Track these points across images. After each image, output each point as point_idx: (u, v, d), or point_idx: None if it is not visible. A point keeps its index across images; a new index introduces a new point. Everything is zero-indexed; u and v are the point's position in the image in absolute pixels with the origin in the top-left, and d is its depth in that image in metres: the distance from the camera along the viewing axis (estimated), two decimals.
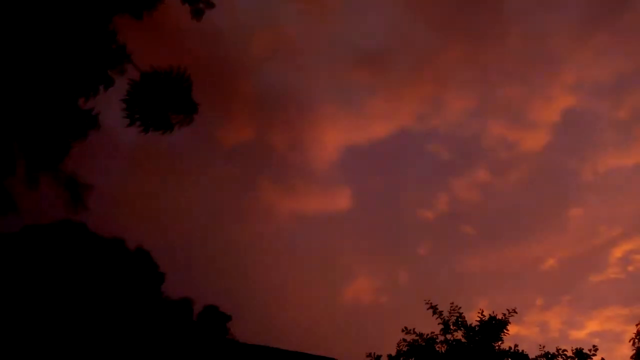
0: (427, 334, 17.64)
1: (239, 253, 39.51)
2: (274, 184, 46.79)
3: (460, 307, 17.72)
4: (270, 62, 44.69)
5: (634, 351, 16.52)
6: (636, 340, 16.49)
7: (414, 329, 17.85)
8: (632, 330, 16.69)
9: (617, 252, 41.80)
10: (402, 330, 17.84)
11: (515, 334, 19.30)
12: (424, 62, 45.09)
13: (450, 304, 17.84)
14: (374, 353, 17.85)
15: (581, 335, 36.37)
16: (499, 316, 17.45)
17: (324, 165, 47.68)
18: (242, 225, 42.50)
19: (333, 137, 46.44)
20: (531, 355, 17.46)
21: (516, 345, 17.51)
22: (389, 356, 17.70)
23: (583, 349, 17.22)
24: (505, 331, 17.33)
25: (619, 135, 43.56)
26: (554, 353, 17.28)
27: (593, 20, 40.78)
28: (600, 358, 17.02)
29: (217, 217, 42.21)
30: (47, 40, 4.14)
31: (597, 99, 43.16)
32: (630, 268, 40.44)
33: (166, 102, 5.62)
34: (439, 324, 17.66)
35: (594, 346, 17.07)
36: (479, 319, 17.48)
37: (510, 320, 17.33)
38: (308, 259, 42.95)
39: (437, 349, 17.39)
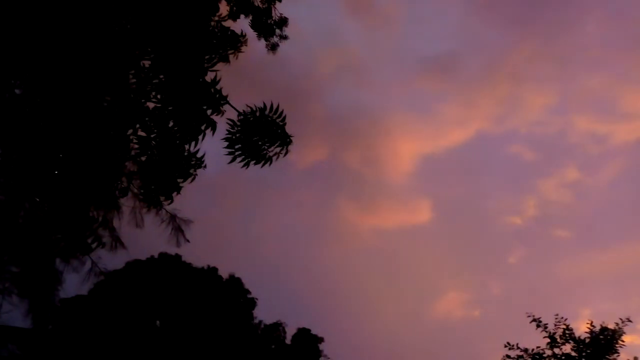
0: (533, 349, 16.73)
1: (326, 274, 39.86)
2: (352, 201, 46.97)
3: (566, 319, 16.71)
4: (339, 80, 45.37)
5: None
6: None
7: (517, 344, 17.00)
8: None
9: None
10: (505, 346, 17.03)
11: (631, 344, 17.84)
12: (496, 62, 43.81)
13: (555, 315, 16.84)
14: None
15: None
16: (611, 326, 16.26)
17: (401, 178, 47.28)
18: (325, 246, 42.93)
19: (407, 148, 46.03)
20: None
21: (636, 358, 16.22)
22: None
23: None
24: (621, 342, 16.09)
25: None
26: None
27: None
28: None
29: (300, 239, 42.96)
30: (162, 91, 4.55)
31: None
32: None
33: (263, 137, 5.88)
34: (544, 337, 16.71)
35: None
36: (588, 330, 16.37)
37: (624, 330, 16.10)
38: (394, 275, 42.50)
39: None
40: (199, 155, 6.25)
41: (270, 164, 6.49)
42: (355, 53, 44.16)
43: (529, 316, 16.88)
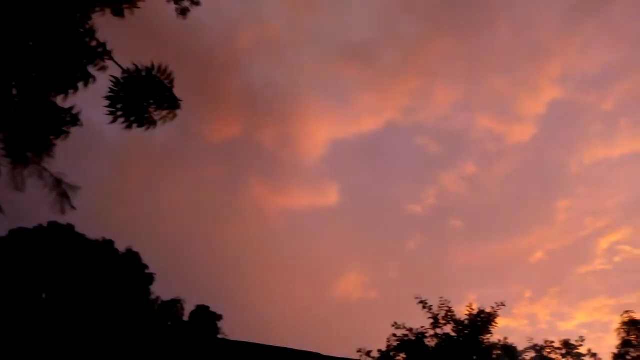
0: (417, 329, 17.74)
1: (229, 252, 39.46)
2: (262, 180, 46.64)
3: (449, 302, 17.85)
4: (256, 57, 44.58)
5: (620, 341, 16.80)
6: (622, 330, 16.77)
7: (404, 323, 17.95)
8: (618, 321, 16.97)
9: (604, 244, 42.34)
10: (392, 325, 17.93)
11: (505, 327, 19.51)
12: (411, 55, 45.21)
13: (440, 298, 17.96)
14: (364, 348, 17.92)
15: (570, 326, 36.83)
16: (488, 310, 17.59)
17: (312, 161, 47.63)
18: (231, 223, 42.38)
19: (321, 131, 46.36)
20: (520, 348, 17.67)
21: (505, 338, 17.72)
22: (380, 351, 17.79)
23: (570, 340, 17.48)
24: (494, 324, 17.49)
25: (604, 127, 44.01)
26: (542, 345, 17.50)
27: (580, 10, 41.11)
28: (587, 349, 17.26)
29: (206, 215, 42.06)
30: (24, 36, 4.15)
31: (583, 91, 43.54)
32: (616, 259, 40.99)
33: (148, 98, 5.61)
34: (428, 318, 17.77)
35: (581, 337, 17.32)
36: (467, 312, 17.62)
37: (498, 314, 17.49)
38: (297, 255, 42.96)
39: (427, 343, 17.50)
40: (75, 111, 5.84)
41: (154, 127, 6.23)
42: (276, 31, 43.62)
43: (417, 298, 17.86)
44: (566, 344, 17.22)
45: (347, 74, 46.93)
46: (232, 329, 28.74)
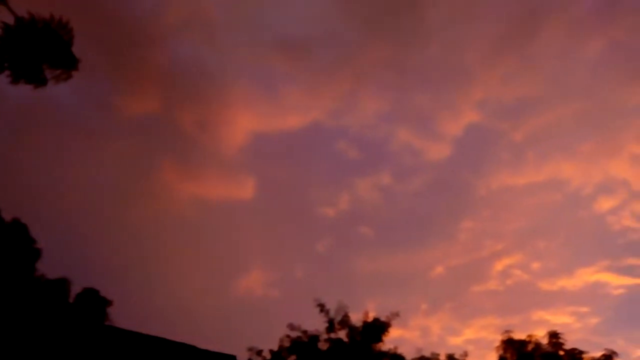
0: (312, 332, 17.79)
1: (130, 235, 37.45)
2: (176, 163, 44.69)
3: (348, 307, 18.07)
4: (186, 34, 42.66)
5: (497, 358, 17.92)
6: (500, 348, 17.90)
7: (299, 325, 17.93)
8: (500, 339, 18.12)
9: (499, 266, 45.10)
10: (288, 326, 17.85)
11: (399, 337, 20.05)
12: (345, 58, 45.52)
13: (338, 302, 18.14)
14: (255, 347, 17.67)
15: (458, 341, 38.86)
16: (383, 319, 18.02)
17: (231, 150, 46.40)
18: (136, 205, 40.15)
19: (244, 121, 45.24)
20: (408, 358, 18.23)
21: (396, 347, 18.19)
22: (271, 351, 17.62)
23: (455, 354, 18.34)
24: (387, 333, 17.93)
25: (513, 156, 46.93)
26: (428, 357, 18.18)
27: (506, 43, 43.62)
28: None
29: (109, 193, 39.59)
30: None
31: (499, 119, 46.19)
32: (508, 281, 43.86)
33: (42, 53, 4.99)
34: (324, 322, 17.89)
35: (465, 352, 18.29)
36: (363, 320, 17.94)
37: (392, 323, 17.95)
38: (203, 246, 41.66)
39: (320, 346, 17.58)
40: None
41: (44, 86, 5.60)
42: (212, 11, 42.11)
43: (316, 301, 17.94)
44: (450, 357, 18.04)
45: (278, 67, 46.35)
46: (125, 317, 27.25)
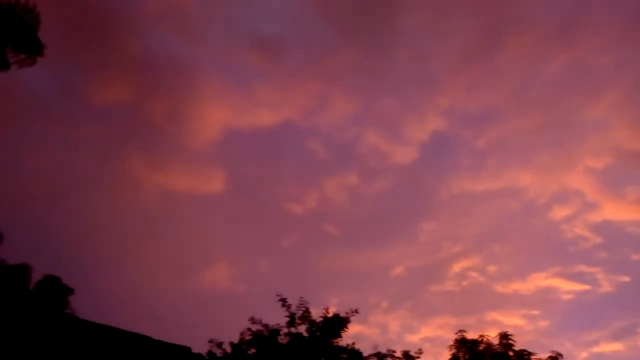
0: (273, 325, 18.00)
1: (94, 224, 36.91)
2: (144, 154, 44.18)
3: (308, 302, 18.35)
4: (161, 25, 42.24)
5: (450, 356, 18.46)
6: (453, 347, 18.45)
7: (261, 319, 18.14)
8: (453, 338, 18.66)
9: (456, 268, 46.29)
10: (249, 320, 18.04)
11: (359, 333, 20.39)
12: (318, 59, 45.93)
13: (300, 298, 18.41)
14: (216, 339, 17.80)
15: (415, 339, 39.84)
16: (342, 314, 18.34)
17: (202, 144, 46.17)
18: (101, 194, 39.56)
19: (215, 115, 45.04)
20: (366, 354, 18.61)
21: (353, 343, 18.54)
22: (231, 344, 17.76)
23: (410, 351, 18.83)
24: (346, 329, 18.26)
25: (474, 162, 48.20)
26: (385, 353, 18.61)
27: (473, 53, 44.71)
28: None
29: (74, 180, 38.93)
30: None
31: (463, 126, 47.39)
32: (464, 283, 45.08)
33: (6, 36, 5.14)
34: (286, 316, 18.12)
35: (419, 349, 18.81)
36: (323, 315, 18.23)
37: (351, 320, 18.29)
38: (169, 238, 41.40)
39: (280, 340, 17.81)
40: None
41: (7, 70, 5.68)
42: (186, 3, 41.85)
43: (278, 295, 18.15)
44: (405, 354, 18.52)
45: (252, 63, 46.37)
46: (86, 306, 26.90)
